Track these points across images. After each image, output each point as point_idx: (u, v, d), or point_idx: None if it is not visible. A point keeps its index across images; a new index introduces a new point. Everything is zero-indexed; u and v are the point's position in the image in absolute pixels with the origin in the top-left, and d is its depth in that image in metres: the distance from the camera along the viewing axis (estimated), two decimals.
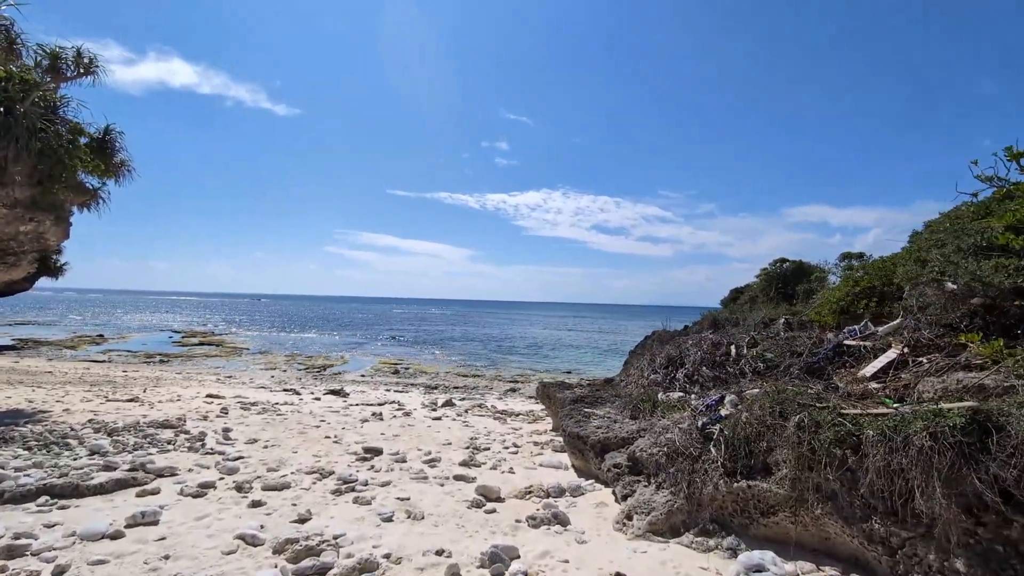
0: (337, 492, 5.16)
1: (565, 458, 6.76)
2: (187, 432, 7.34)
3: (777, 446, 3.96)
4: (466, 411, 10.80)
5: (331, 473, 5.78)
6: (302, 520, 4.41)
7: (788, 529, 3.77)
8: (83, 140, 10.49)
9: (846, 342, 6.28)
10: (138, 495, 4.82)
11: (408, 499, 5.06)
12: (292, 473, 5.73)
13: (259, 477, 5.52)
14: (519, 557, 3.83)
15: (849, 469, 3.50)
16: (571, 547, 4.05)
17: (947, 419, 3.12)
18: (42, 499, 4.54)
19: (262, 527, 4.18)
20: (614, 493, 5.11)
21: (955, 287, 5.16)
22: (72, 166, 9.98)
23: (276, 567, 3.54)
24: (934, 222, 7.92)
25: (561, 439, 7.81)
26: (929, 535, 3.08)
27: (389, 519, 4.52)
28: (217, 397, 10.76)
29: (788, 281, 19.17)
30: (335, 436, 7.68)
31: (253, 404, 10.09)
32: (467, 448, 7.36)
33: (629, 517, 4.42)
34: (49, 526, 4.03)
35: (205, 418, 8.53)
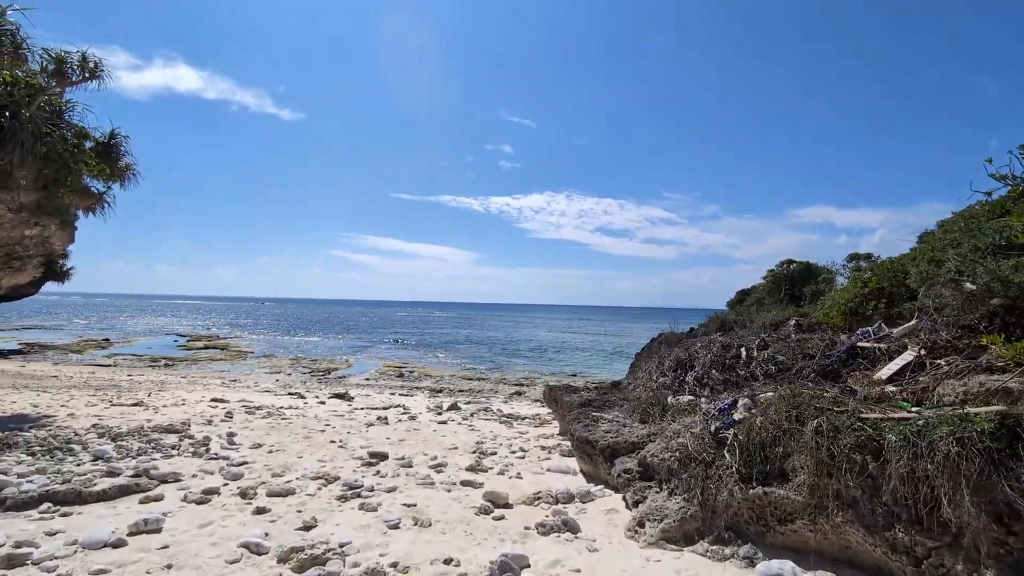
0: (343, 498, 5.08)
1: (573, 463, 6.66)
2: (191, 437, 7.28)
3: (794, 451, 3.85)
4: (472, 415, 10.71)
5: (336, 479, 5.70)
6: (307, 527, 4.32)
7: (807, 537, 3.66)
8: (88, 144, 10.49)
9: (860, 344, 6.16)
10: (141, 502, 4.76)
11: (415, 505, 4.97)
12: (297, 479, 5.65)
13: (264, 483, 5.44)
14: (529, 566, 3.73)
15: (870, 476, 3.39)
16: (582, 556, 3.95)
17: (974, 424, 3.01)
18: (44, 506, 4.48)
19: (267, 535, 4.10)
20: (625, 499, 5.00)
21: (974, 287, 5.04)
22: (77, 170, 9.98)
23: None
24: (947, 222, 7.79)
25: (569, 443, 7.70)
26: (957, 545, 2.97)
27: (396, 526, 4.43)
28: (222, 401, 10.72)
29: (795, 282, 19.00)
30: (340, 441, 7.60)
31: (258, 408, 10.03)
32: (473, 453, 7.27)
33: (641, 524, 4.31)
34: (51, 534, 3.97)
35: (210, 422, 8.48)
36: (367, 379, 19.49)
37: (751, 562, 3.68)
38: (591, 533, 4.40)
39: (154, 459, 6.04)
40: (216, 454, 6.48)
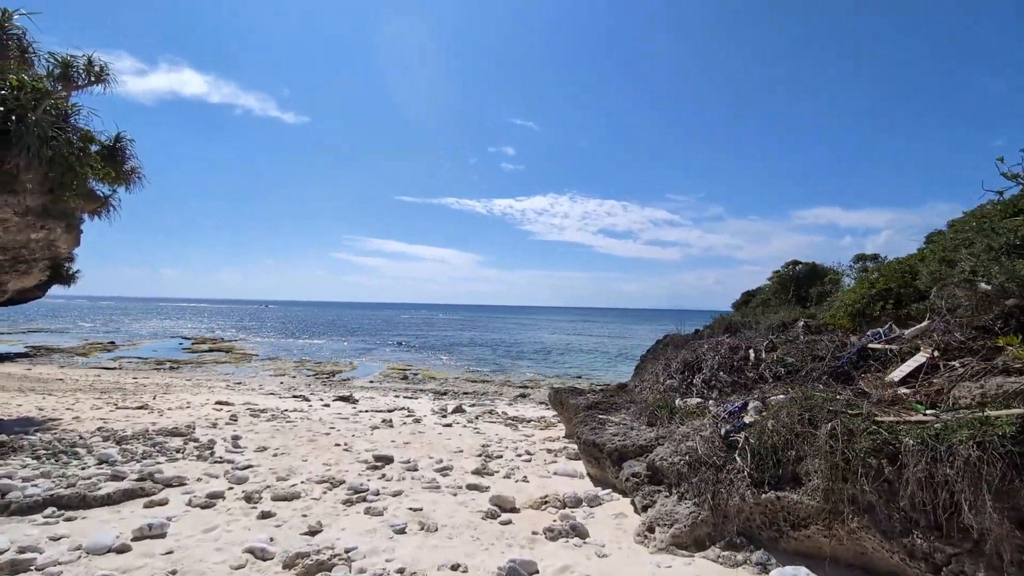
0: (348, 502, 5.03)
1: (580, 466, 6.59)
2: (196, 440, 7.25)
3: (807, 455, 3.78)
4: (476, 417, 10.65)
5: (342, 482, 5.66)
6: (312, 532, 4.28)
7: (821, 543, 3.58)
8: (94, 148, 10.53)
9: (870, 345, 6.07)
10: (146, 506, 4.72)
11: (421, 509, 4.91)
12: (302, 482, 5.61)
13: (269, 487, 5.40)
14: (538, 572, 3.67)
15: (886, 480, 3.32)
16: (591, 561, 3.88)
17: (995, 427, 2.93)
18: (49, 510, 4.45)
19: (272, 540, 4.05)
20: (633, 503, 4.93)
21: (988, 287, 4.95)
22: (83, 174, 10.00)
23: None
24: (958, 221, 7.69)
25: (575, 446, 7.63)
26: (978, 551, 2.89)
27: (402, 531, 4.38)
28: (226, 404, 10.70)
29: (801, 284, 18.86)
30: (345, 444, 7.56)
31: (262, 411, 10.01)
32: (479, 456, 7.21)
33: (651, 529, 4.24)
34: (55, 539, 3.93)
35: (214, 425, 8.45)
36: (371, 382, 19.47)
37: (764, 568, 3.61)
38: (600, 538, 4.33)
39: (159, 463, 6.02)
40: (221, 457, 6.45)
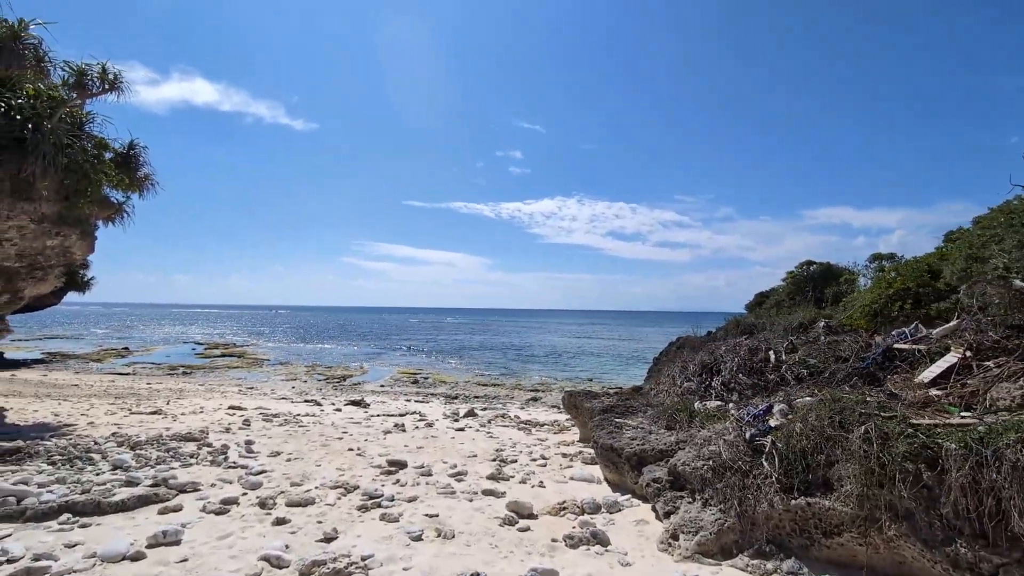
0: (363, 508, 4.95)
1: (597, 471, 6.46)
2: (210, 445, 7.23)
3: (839, 460, 3.63)
4: (489, 421, 10.55)
5: (356, 488, 5.58)
6: (328, 539, 4.20)
7: (856, 552, 3.44)
8: (108, 155, 10.63)
9: (896, 346, 5.90)
10: (160, 512, 4.68)
11: (437, 516, 4.82)
12: (316, 488, 5.54)
13: (283, 492, 5.34)
14: None
15: (926, 486, 3.17)
16: (615, 570, 3.77)
17: None
18: (64, 516, 4.41)
19: (287, 547, 3.98)
20: (654, 509, 4.80)
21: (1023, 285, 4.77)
22: (97, 180, 10.10)
23: None
24: (985, 218, 7.49)
25: (590, 451, 7.50)
26: None
27: (418, 538, 4.28)
28: (239, 409, 10.70)
29: (816, 284, 18.55)
30: (358, 448, 7.50)
31: (275, 416, 9.99)
32: (493, 461, 7.10)
33: (675, 537, 4.11)
34: (70, 546, 3.89)
35: (227, 430, 8.43)
36: (382, 386, 19.44)
37: None
38: (622, 546, 4.21)
39: (173, 468, 5.99)
40: (234, 463, 6.40)
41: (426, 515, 4.84)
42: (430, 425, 9.79)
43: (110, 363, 23.67)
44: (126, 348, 30.79)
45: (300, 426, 9.08)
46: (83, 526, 4.30)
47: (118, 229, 11.46)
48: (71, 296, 20.55)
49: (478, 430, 9.48)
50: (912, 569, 3.25)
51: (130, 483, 5.26)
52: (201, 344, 36.27)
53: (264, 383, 18.75)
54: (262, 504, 4.94)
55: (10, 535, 4.05)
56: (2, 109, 8.33)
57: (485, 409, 12.86)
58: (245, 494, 5.26)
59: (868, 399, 4.07)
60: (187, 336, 45.93)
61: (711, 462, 4.42)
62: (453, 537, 4.33)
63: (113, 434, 7.69)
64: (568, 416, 10.38)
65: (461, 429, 9.49)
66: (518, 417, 11.36)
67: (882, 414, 3.63)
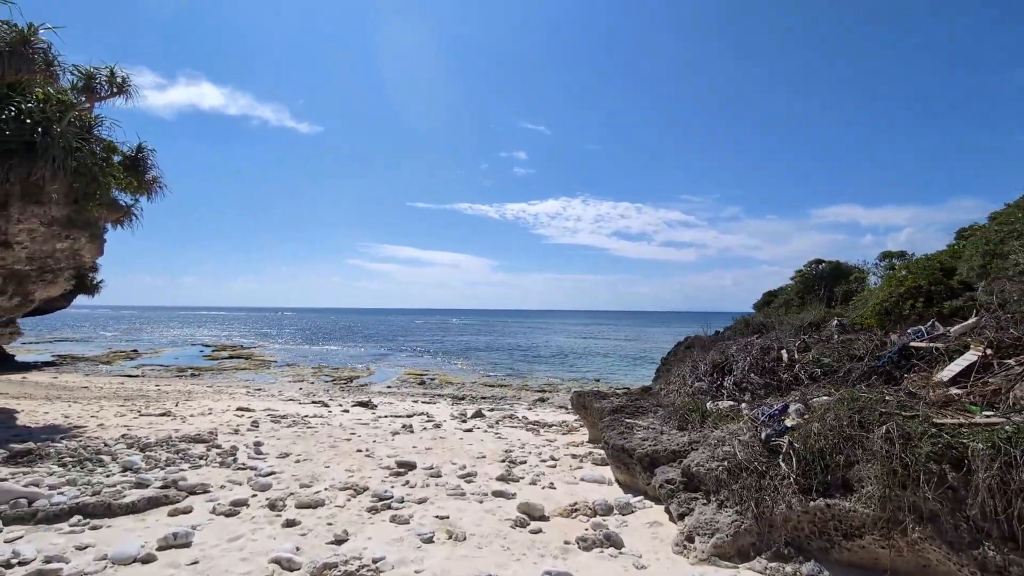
0: (373, 510, 4.91)
1: (608, 472, 6.39)
2: (219, 446, 7.22)
3: (858, 460, 3.55)
4: (497, 422, 10.49)
5: (365, 489, 5.55)
6: (339, 541, 4.16)
7: (878, 554, 3.35)
8: (116, 158, 10.69)
9: (913, 344, 5.79)
10: (170, 514, 4.66)
11: (447, 517, 4.77)
12: (325, 489, 5.51)
13: (292, 494, 5.31)
14: None
15: (951, 487, 3.09)
16: (630, 573, 3.70)
17: None
18: (75, 518, 4.40)
19: (298, 549, 3.95)
20: (668, 511, 4.73)
21: None
22: (106, 183, 10.16)
23: None
24: (1002, 213, 7.36)
25: (600, 451, 7.43)
26: None
27: (430, 540, 4.24)
28: (248, 410, 10.71)
29: (825, 283, 18.38)
30: (367, 450, 7.47)
31: (283, 417, 9.99)
32: (503, 462, 7.05)
33: (690, 539, 4.04)
34: (81, 548, 3.88)
35: (236, 432, 8.43)
36: (389, 387, 19.44)
37: None
38: (636, 548, 4.14)
39: (182, 470, 5.98)
40: (244, 464, 6.39)
41: (436, 517, 4.79)
42: (438, 426, 9.75)
43: (119, 365, 23.83)
44: (135, 350, 31.01)
45: (308, 427, 9.07)
46: (94, 528, 4.29)
47: (127, 232, 11.53)
48: (80, 299, 20.73)
49: (486, 431, 9.43)
50: (937, 572, 3.17)
51: (140, 485, 5.25)
52: (209, 346, 36.49)
53: (271, 384, 18.80)
54: (272, 506, 4.91)
55: (21, 537, 4.04)
56: (12, 113, 8.40)
57: (492, 410, 12.81)
58: (255, 495, 5.24)
59: (887, 398, 3.98)
60: (195, 338, 46.23)
61: (726, 463, 4.34)
62: (464, 539, 4.28)
63: (123, 436, 7.71)
64: (576, 417, 10.32)
65: (469, 430, 9.45)
66: (526, 418, 11.31)
67: (903, 413, 3.55)
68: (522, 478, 6.24)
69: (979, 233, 8.17)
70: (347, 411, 11.51)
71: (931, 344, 5.55)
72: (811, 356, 6.50)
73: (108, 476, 5.60)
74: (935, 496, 3.08)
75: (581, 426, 9.56)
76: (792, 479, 3.77)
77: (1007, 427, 3.05)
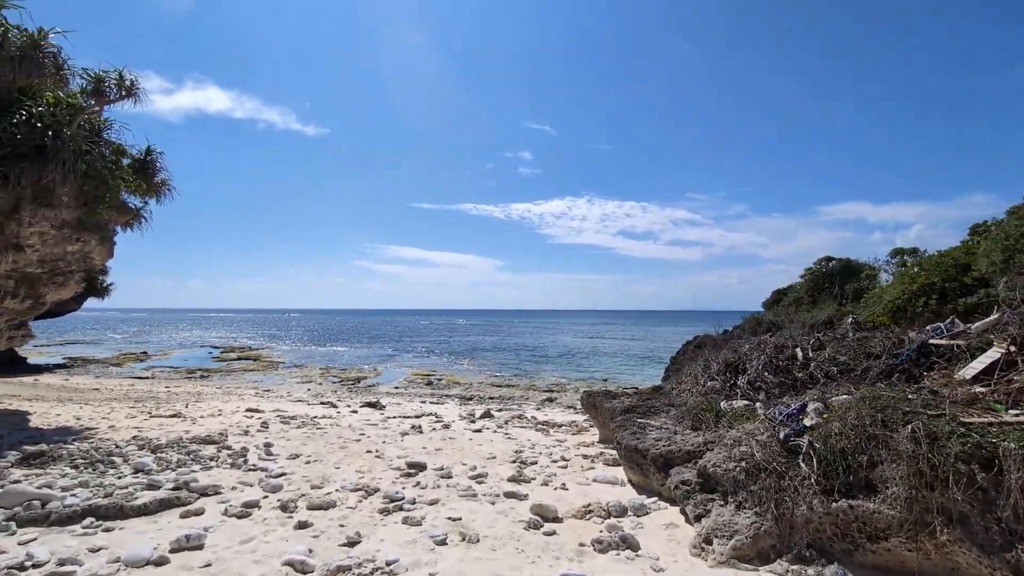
0: (385, 511, 4.87)
1: (620, 473, 6.32)
2: (229, 448, 7.22)
3: (883, 460, 3.47)
4: (506, 422, 10.44)
5: (376, 490, 5.51)
6: (351, 543, 4.12)
7: (905, 557, 3.26)
8: (125, 161, 10.74)
9: (932, 341, 5.68)
10: (182, 516, 4.64)
11: (460, 519, 4.72)
12: (337, 490, 5.48)
13: (304, 495, 5.28)
14: None
15: (980, 488, 3.00)
16: None
17: None
18: (87, 520, 4.39)
19: (310, 551, 3.91)
20: (684, 512, 4.65)
21: None
22: (115, 186, 10.20)
23: None
24: (1022, 207, 7.21)
25: (611, 452, 7.36)
26: None
27: (443, 542, 4.19)
28: (257, 411, 10.72)
29: (835, 280, 18.17)
30: (376, 451, 7.43)
31: (292, 418, 9.98)
32: (513, 462, 6.99)
33: (708, 541, 3.97)
34: (94, 550, 3.86)
35: (246, 433, 8.43)
36: (396, 387, 19.45)
37: None
38: (652, 550, 4.07)
39: (193, 471, 5.97)
40: (254, 465, 6.37)
41: (449, 518, 4.74)
42: (447, 426, 9.71)
43: (129, 367, 24.01)
44: (144, 352, 31.24)
45: (318, 428, 9.06)
46: (106, 530, 4.28)
47: (136, 235, 11.58)
48: (89, 302, 20.90)
49: (495, 431, 9.38)
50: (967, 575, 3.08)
51: (152, 486, 5.24)
52: (217, 348, 36.70)
53: (280, 385, 18.86)
54: (283, 507, 4.88)
55: (35, 539, 4.04)
56: (23, 117, 8.45)
57: (501, 410, 12.76)
58: (266, 497, 5.22)
59: (910, 396, 3.89)
60: (203, 340, 46.54)
61: (744, 463, 4.26)
62: (478, 541, 4.23)
63: (134, 437, 7.73)
64: (586, 416, 10.24)
65: (478, 430, 9.40)
66: (535, 418, 11.24)
67: (928, 412, 3.46)
68: (533, 479, 6.18)
69: (997, 228, 8.01)
70: (355, 412, 11.50)
71: (951, 341, 5.44)
72: (826, 354, 6.40)
73: (120, 478, 5.60)
74: (965, 497, 2.99)
75: (591, 426, 9.49)
76: (813, 480, 3.69)
77: None
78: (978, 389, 4.42)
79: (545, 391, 18.69)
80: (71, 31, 8.94)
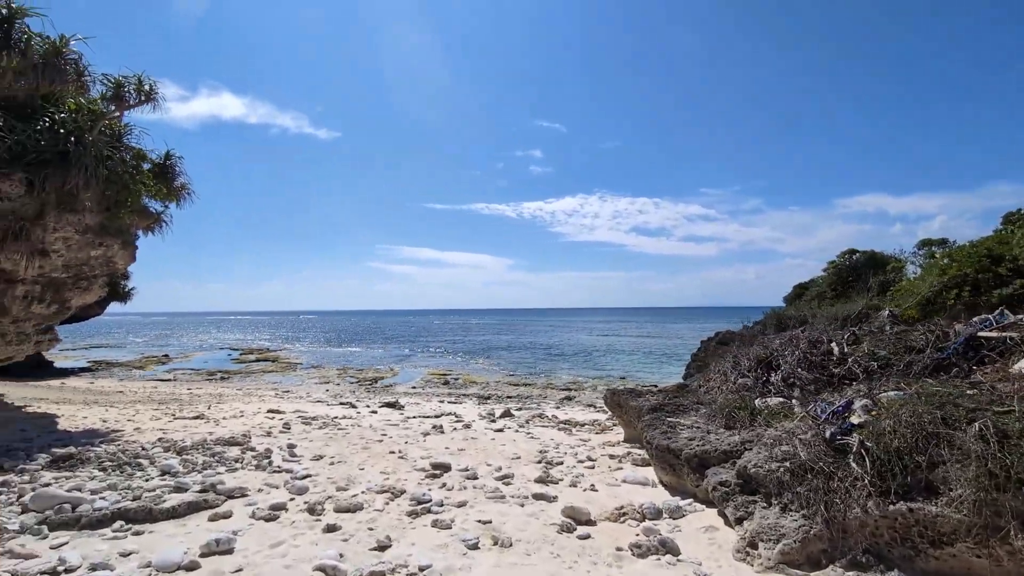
0: (413, 514, 4.77)
1: (649, 473, 6.15)
2: (253, 449, 7.20)
3: (944, 460, 3.26)
4: (527, 422, 10.31)
5: (402, 492, 5.42)
6: (382, 547, 4.02)
7: (972, 563, 3.06)
8: (146, 166, 10.84)
9: (981, 334, 5.41)
10: (210, 519, 4.60)
11: (490, 522, 4.60)
12: (363, 492, 5.40)
13: (330, 497, 5.21)
14: None
15: None
16: None
17: None
18: (117, 524, 4.37)
19: (341, 556, 3.82)
20: (723, 515, 4.47)
21: None
22: (136, 191, 10.29)
23: None
24: None
25: (639, 451, 7.19)
26: None
27: (475, 546, 4.07)
28: (278, 412, 10.75)
29: (860, 273, 17.67)
30: (399, 451, 7.36)
31: (313, 419, 9.97)
32: (539, 463, 6.85)
33: (753, 545, 3.79)
34: (124, 555, 3.82)
35: (269, 434, 8.43)
36: (414, 387, 19.44)
37: None
38: (694, 555, 3.91)
39: (219, 473, 5.94)
40: (279, 467, 6.33)
41: (479, 521, 4.63)
42: (468, 426, 9.61)
43: (152, 370, 24.40)
44: (166, 355, 31.77)
45: (339, 429, 9.02)
46: (136, 534, 4.24)
47: (157, 239, 11.69)
48: (111, 306, 21.27)
49: (517, 431, 9.25)
50: None
51: (179, 489, 5.22)
52: (236, 350, 37.18)
53: (299, 386, 18.97)
54: (311, 510, 4.81)
55: (67, 543, 4.01)
56: (46, 124, 8.54)
57: (520, 409, 12.63)
58: (292, 499, 5.16)
59: (969, 392, 3.66)
60: (223, 342, 47.22)
61: (787, 463, 4.07)
62: (511, 546, 4.10)
63: (159, 439, 7.76)
64: (609, 415, 10.07)
65: (500, 430, 9.28)
66: (556, 417, 11.09)
67: (995, 409, 3.24)
68: (561, 479, 6.04)
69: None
70: (375, 412, 11.47)
71: (1003, 333, 5.16)
72: (864, 349, 6.15)
73: (147, 480, 5.59)
74: None
75: (614, 425, 9.31)
76: (866, 481, 3.49)
77: None
78: None
79: (563, 390, 18.52)
80: (91, 37, 9.02)
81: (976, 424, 3.13)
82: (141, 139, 10.52)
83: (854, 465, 3.63)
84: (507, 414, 11.26)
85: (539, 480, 5.99)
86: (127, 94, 9.85)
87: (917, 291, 11.02)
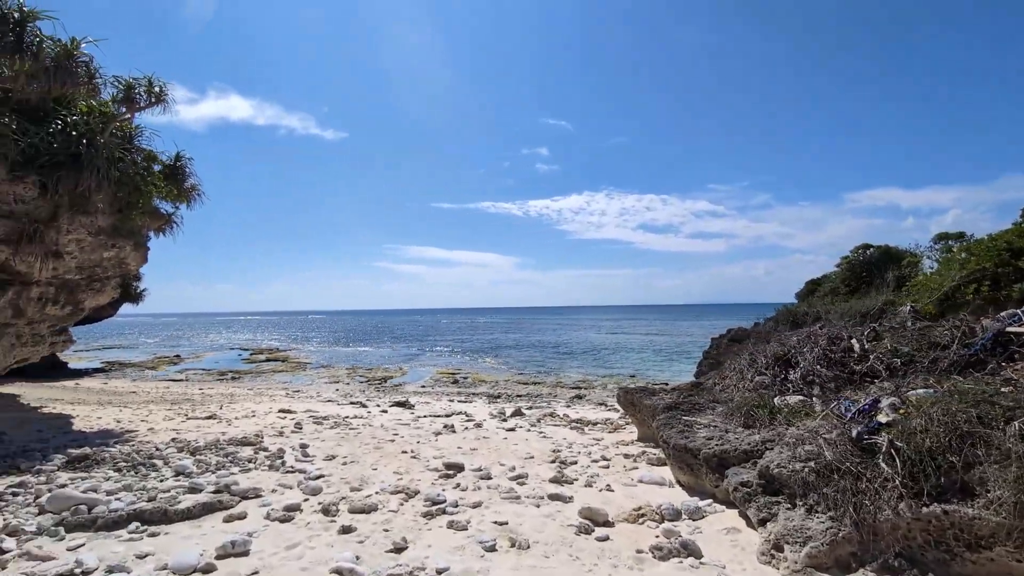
0: (428, 515, 4.72)
1: (666, 472, 6.06)
2: (266, 449, 7.19)
3: (982, 461, 3.14)
4: (539, 420, 10.24)
5: (416, 492, 5.37)
6: (398, 549, 3.97)
7: (1012, 568, 2.94)
8: (156, 167, 10.88)
9: (1010, 329, 5.25)
10: (225, 520, 4.57)
11: (506, 523, 4.53)
12: (377, 493, 5.36)
13: (344, 498, 5.18)
14: None
15: None
16: None
17: None
18: (133, 525, 4.35)
19: (357, 558, 3.77)
20: (745, 516, 4.37)
21: None
22: (148, 192, 10.34)
23: None
24: None
25: (653, 451, 7.09)
26: None
27: (492, 548, 4.01)
28: (289, 412, 10.76)
29: (874, 269, 17.38)
30: (412, 451, 7.32)
31: (325, 418, 9.97)
32: (552, 462, 6.78)
33: (778, 548, 3.69)
34: (141, 557, 3.80)
35: (281, 434, 8.42)
36: (423, 386, 19.43)
37: None
38: (717, 557, 3.81)
39: (233, 473, 5.93)
40: (292, 467, 6.31)
41: (495, 522, 4.56)
42: (479, 425, 9.56)
43: (164, 370, 24.62)
44: (178, 356, 32.05)
45: (350, 428, 9.00)
46: (152, 535, 4.22)
47: (168, 240, 11.75)
48: (123, 307, 21.47)
49: (529, 430, 9.18)
50: None
51: (193, 489, 5.20)
52: (246, 350, 37.44)
53: (309, 386, 19.04)
54: (325, 511, 4.78)
55: (83, 544, 4.00)
56: (59, 127, 8.58)
57: (531, 408, 12.56)
58: (307, 500, 5.12)
59: (1004, 390, 3.53)
60: (233, 342, 47.59)
61: (812, 463, 3.96)
62: (528, 547, 4.03)
63: (173, 440, 7.78)
64: (621, 414, 9.97)
65: (512, 429, 9.22)
66: (567, 416, 11.01)
67: None
68: (576, 479, 5.96)
69: None
70: (386, 411, 11.45)
71: None
72: (886, 346, 6.00)
73: (162, 481, 5.58)
74: None
75: (627, 424, 9.22)
76: (898, 482, 3.38)
77: None
78: None
79: (573, 388, 18.43)
80: (103, 39, 9.04)
81: (1015, 423, 3.01)
82: (152, 141, 10.57)
83: (884, 465, 3.52)
84: (518, 413, 11.20)
85: (554, 480, 5.92)
86: (138, 96, 9.87)
87: (936, 286, 10.79)
